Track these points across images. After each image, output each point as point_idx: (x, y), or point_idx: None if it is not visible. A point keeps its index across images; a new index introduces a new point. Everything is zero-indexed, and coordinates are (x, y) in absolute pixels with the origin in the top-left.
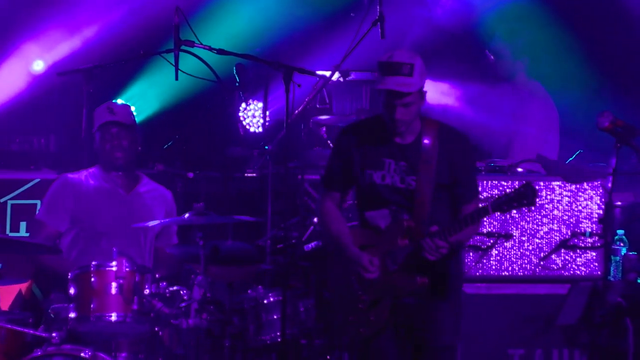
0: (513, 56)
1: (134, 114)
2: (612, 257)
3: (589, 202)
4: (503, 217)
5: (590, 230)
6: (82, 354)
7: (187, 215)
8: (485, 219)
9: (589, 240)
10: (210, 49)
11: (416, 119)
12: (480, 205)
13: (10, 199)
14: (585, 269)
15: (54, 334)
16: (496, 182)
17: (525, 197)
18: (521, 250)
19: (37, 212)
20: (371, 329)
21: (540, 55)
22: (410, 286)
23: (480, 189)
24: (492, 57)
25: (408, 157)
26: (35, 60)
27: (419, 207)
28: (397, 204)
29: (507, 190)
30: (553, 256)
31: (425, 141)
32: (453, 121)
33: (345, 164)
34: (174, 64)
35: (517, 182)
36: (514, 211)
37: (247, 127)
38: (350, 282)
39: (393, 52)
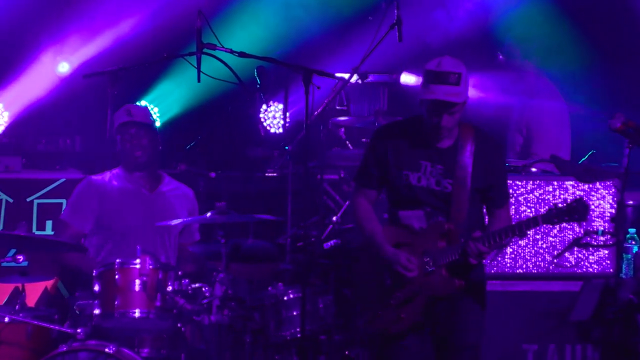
0: (522, 56)
1: (153, 114)
2: (624, 255)
3: (602, 202)
4: (518, 216)
5: (602, 228)
6: (106, 350)
7: (209, 214)
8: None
9: (602, 238)
10: (232, 52)
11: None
12: (530, 216)
13: (37, 198)
14: (597, 267)
15: (79, 330)
16: (510, 181)
17: (576, 212)
18: (535, 249)
19: (62, 212)
20: (400, 327)
21: (553, 56)
22: (449, 288)
23: None
24: (501, 57)
25: (445, 160)
26: (61, 63)
27: (456, 211)
28: (432, 205)
29: (559, 204)
30: (566, 254)
31: (463, 146)
32: (485, 114)
33: (381, 163)
34: (196, 66)
35: (531, 182)
36: (529, 210)
37: (268, 128)
38: (382, 278)
39: (440, 59)
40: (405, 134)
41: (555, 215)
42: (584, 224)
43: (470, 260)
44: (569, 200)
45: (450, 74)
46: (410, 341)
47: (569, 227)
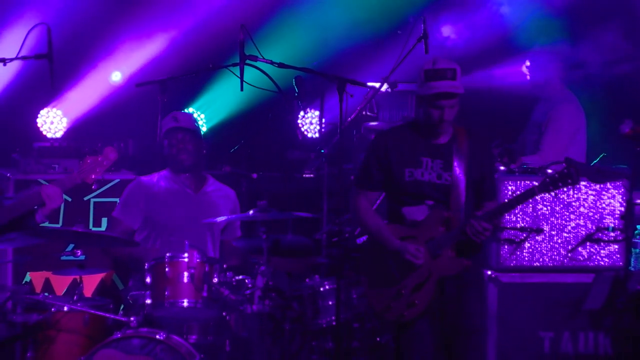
0: (550, 66)
1: (198, 121)
2: (633, 250)
3: (612, 200)
4: (535, 214)
5: (612, 225)
6: (157, 336)
7: (251, 212)
8: (520, 214)
9: (612, 234)
10: (272, 63)
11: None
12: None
13: (93, 197)
14: (608, 260)
15: (132, 319)
16: (528, 182)
17: (569, 177)
18: (551, 243)
19: (114, 210)
20: (415, 312)
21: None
22: (457, 267)
23: (514, 187)
24: (528, 75)
25: (444, 154)
26: (114, 72)
27: (454, 200)
28: (434, 198)
29: (551, 173)
30: (579, 248)
31: (458, 142)
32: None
33: (383, 164)
34: (239, 76)
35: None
36: (546, 208)
37: (305, 132)
38: (390, 271)
39: (434, 59)
40: (404, 136)
41: (550, 183)
42: (596, 220)
43: (474, 238)
44: (580, 195)
45: (448, 70)
46: (422, 327)
47: (582, 223)
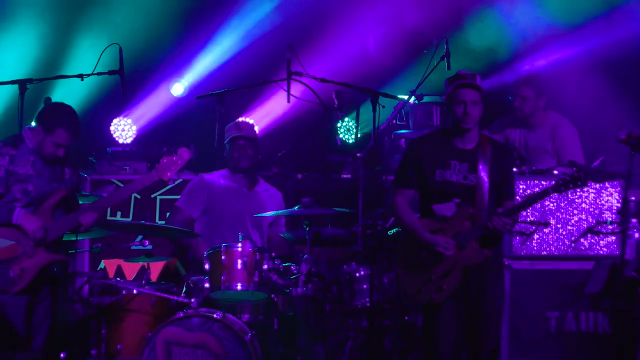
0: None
1: (256, 129)
2: (628, 240)
3: (610, 198)
4: (542, 209)
5: (610, 219)
6: (214, 315)
7: (296, 207)
8: (529, 210)
9: (610, 227)
10: (315, 78)
11: (476, 126)
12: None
13: (159, 195)
14: (606, 250)
15: (192, 300)
16: (537, 181)
17: (579, 180)
18: (557, 235)
19: (177, 200)
20: (443, 295)
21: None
22: (480, 257)
23: (524, 186)
24: (515, 102)
25: (470, 158)
26: (177, 85)
27: (479, 199)
28: (461, 197)
29: (562, 175)
30: (582, 239)
31: (483, 148)
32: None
33: (417, 166)
34: (286, 89)
35: (553, 182)
36: (552, 204)
37: (343, 138)
38: (422, 260)
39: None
40: (435, 141)
41: (562, 185)
42: (596, 215)
43: (496, 232)
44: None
45: (468, 74)
46: (448, 309)
47: (584, 218)
